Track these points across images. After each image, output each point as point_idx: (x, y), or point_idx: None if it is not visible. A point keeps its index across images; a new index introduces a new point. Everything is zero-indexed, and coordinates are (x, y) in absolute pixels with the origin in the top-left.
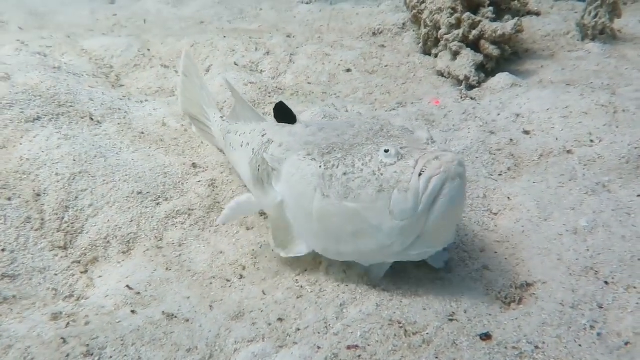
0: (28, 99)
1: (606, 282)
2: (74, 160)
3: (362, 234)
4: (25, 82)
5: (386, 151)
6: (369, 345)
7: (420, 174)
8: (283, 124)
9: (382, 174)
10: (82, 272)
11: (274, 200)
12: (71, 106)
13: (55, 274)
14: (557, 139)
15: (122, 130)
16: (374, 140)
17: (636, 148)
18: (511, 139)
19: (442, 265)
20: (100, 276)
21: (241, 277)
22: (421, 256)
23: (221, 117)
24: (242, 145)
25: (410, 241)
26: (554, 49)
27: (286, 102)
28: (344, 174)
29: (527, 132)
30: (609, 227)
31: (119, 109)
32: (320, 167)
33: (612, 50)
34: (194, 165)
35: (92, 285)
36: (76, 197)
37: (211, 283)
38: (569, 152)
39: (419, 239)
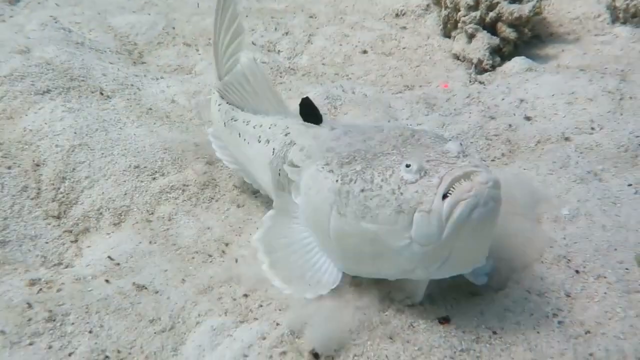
0: (40, 72)
1: (577, 271)
2: (75, 133)
3: (382, 257)
4: (40, 56)
5: (407, 166)
6: None
7: (446, 195)
8: (308, 124)
9: (402, 193)
10: (72, 242)
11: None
12: (83, 80)
13: (46, 242)
14: (557, 125)
15: (130, 106)
16: (400, 150)
17: (637, 137)
18: (510, 125)
19: (484, 281)
20: (89, 246)
21: (223, 253)
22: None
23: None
24: (259, 141)
25: (434, 267)
26: (580, 32)
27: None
28: (362, 190)
29: (528, 118)
30: (591, 215)
31: (132, 85)
32: (337, 181)
33: None
34: (195, 143)
35: (80, 254)
36: (73, 169)
37: (193, 258)
38: (567, 139)
39: (445, 264)
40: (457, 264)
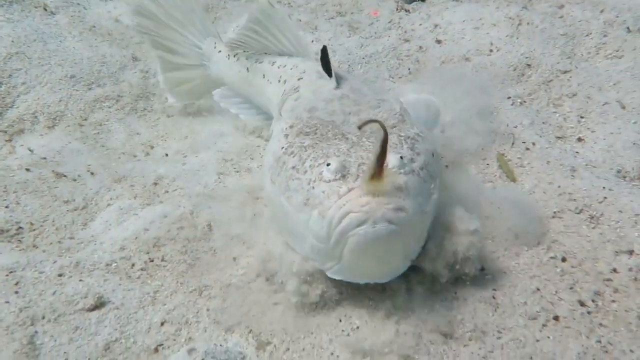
0: None
1: (446, 166)
2: (12, 42)
3: (294, 236)
4: None
5: (328, 165)
6: None
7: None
8: (323, 73)
9: (313, 187)
10: (6, 140)
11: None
12: None
13: None
14: (461, 48)
15: (74, 23)
16: (351, 141)
17: (526, 57)
18: (421, 47)
19: None
20: (22, 145)
21: (147, 154)
22: None
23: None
24: (279, 81)
25: (328, 266)
26: None
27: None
28: (293, 167)
29: (439, 42)
30: (467, 122)
31: (78, 4)
32: (282, 148)
33: None
34: (134, 58)
35: (13, 152)
36: (10, 75)
37: (119, 157)
38: (467, 59)
39: (339, 269)
40: (351, 273)
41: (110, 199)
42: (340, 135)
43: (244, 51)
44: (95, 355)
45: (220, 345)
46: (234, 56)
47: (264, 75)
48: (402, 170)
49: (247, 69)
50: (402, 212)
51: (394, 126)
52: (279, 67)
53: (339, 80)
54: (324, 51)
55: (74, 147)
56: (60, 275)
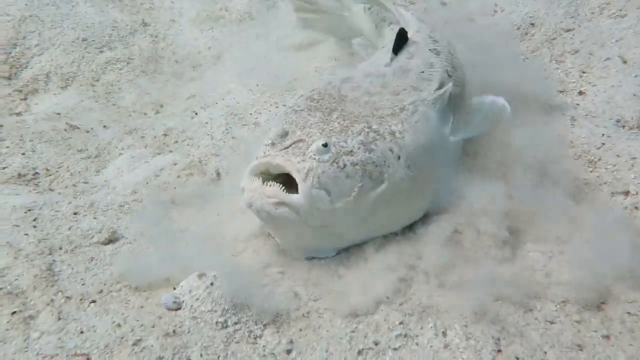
0: None
1: None
2: (26, 5)
3: None
4: None
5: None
6: None
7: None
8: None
9: (256, 146)
10: (21, 99)
11: None
12: None
13: None
14: (465, 9)
15: None
16: (316, 116)
17: (530, 17)
18: (426, 9)
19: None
20: (36, 103)
21: (157, 112)
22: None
23: None
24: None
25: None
26: None
27: None
28: (277, 126)
29: (443, 4)
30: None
31: None
32: (291, 105)
33: None
34: (144, 23)
35: (28, 110)
36: (24, 37)
37: (130, 115)
38: (471, 19)
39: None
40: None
41: (122, 148)
42: (328, 112)
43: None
44: (111, 282)
45: None
46: (369, 9)
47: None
48: (318, 157)
49: (375, 25)
50: (282, 208)
51: (380, 117)
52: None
53: (398, 56)
54: (401, 33)
55: (86, 105)
56: (75, 213)
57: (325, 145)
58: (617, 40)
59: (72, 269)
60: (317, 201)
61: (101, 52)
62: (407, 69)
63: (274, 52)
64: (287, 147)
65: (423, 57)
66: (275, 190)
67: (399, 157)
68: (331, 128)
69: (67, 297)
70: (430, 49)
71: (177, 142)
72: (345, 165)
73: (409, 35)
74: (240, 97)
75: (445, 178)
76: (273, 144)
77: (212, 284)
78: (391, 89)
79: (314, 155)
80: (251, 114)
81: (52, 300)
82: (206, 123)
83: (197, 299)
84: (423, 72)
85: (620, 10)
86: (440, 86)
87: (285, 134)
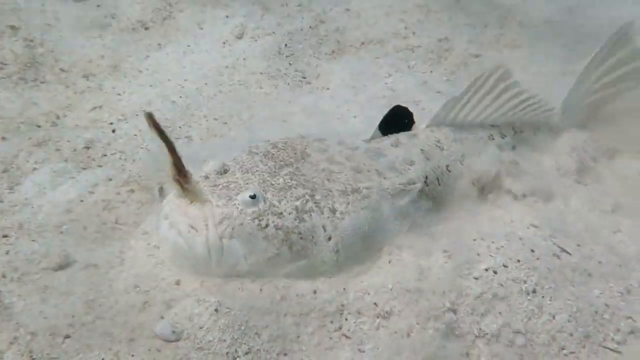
0: None
1: None
2: None
3: None
4: None
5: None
6: None
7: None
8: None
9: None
10: None
11: None
12: None
13: None
14: (377, 31)
15: None
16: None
17: (440, 41)
18: (338, 28)
19: None
20: None
21: (54, 124)
22: None
23: None
24: None
25: None
26: None
27: None
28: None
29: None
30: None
31: None
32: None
33: None
34: (12, 26)
35: None
36: None
37: (18, 127)
38: (382, 42)
39: None
40: None
41: (35, 162)
42: (280, 165)
43: None
44: (80, 314)
45: None
46: None
47: None
48: (241, 207)
49: None
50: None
51: (328, 189)
52: None
53: (385, 138)
54: (395, 111)
55: None
56: (5, 236)
57: (253, 197)
58: None
59: (24, 300)
60: (220, 252)
61: None
62: (382, 154)
63: (188, 63)
64: (216, 185)
65: (407, 152)
66: (199, 214)
67: (329, 238)
68: (273, 183)
69: (32, 333)
70: (422, 149)
71: (105, 155)
72: (267, 226)
73: (415, 125)
74: (164, 109)
75: None
76: (207, 177)
77: (216, 310)
78: (354, 164)
79: (238, 204)
80: (180, 127)
81: (15, 337)
82: (135, 135)
83: (200, 327)
84: (395, 164)
85: None
86: (409, 184)
87: (223, 171)
